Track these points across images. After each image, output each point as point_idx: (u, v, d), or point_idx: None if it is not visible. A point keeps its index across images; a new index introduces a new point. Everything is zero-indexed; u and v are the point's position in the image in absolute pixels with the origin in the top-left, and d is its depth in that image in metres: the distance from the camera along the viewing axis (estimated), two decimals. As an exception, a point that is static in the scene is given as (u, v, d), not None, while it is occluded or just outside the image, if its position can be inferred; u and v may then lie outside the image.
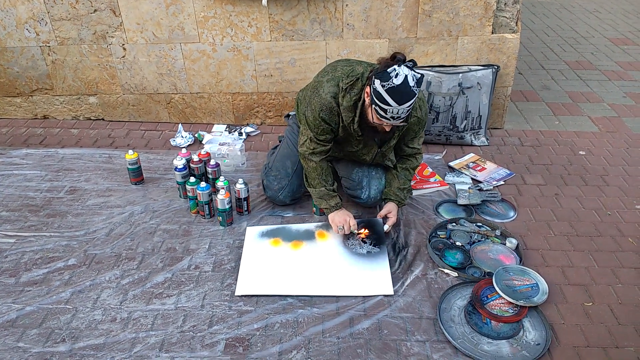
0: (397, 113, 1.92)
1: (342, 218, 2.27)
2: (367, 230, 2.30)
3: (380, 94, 1.89)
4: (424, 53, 3.05)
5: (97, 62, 3.18)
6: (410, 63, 1.91)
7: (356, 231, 2.28)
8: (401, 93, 1.88)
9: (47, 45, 3.14)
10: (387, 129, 2.05)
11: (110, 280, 2.12)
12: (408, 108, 1.92)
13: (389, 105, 1.89)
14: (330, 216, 2.30)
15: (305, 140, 2.24)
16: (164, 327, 1.91)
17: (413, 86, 1.88)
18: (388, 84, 1.87)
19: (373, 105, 1.95)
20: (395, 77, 1.86)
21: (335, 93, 2.10)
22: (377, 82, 1.90)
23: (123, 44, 3.11)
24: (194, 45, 3.08)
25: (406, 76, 1.87)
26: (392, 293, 2.04)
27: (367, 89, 1.98)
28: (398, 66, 1.88)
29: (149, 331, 1.89)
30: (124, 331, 1.89)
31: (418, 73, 1.91)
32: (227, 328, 1.91)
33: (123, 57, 3.15)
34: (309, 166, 2.27)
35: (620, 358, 1.80)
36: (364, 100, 2.03)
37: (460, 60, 3.06)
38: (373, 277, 2.12)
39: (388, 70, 1.88)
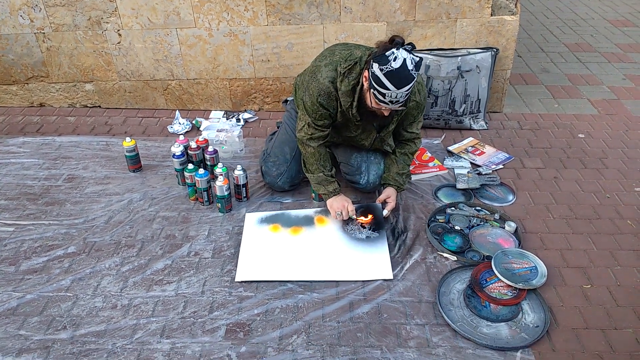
0: (396, 97, 1.90)
1: (340, 204, 2.27)
2: (370, 217, 2.30)
3: (379, 77, 1.87)
4: (422, 36, 3.02)
5: (93, 48, 3.15)
6: (409, 46, 1.89)
7: (354, 216, 2.28)
8: (400, 77, 1.86)
9: (42, 31, 3.11)
10: (386, 114, 2.04)
11: (110, 268, 2.12)
12: (407, 92, 1.90)
13: (388, 89, 1.88)
14: (329, 202, 2.30)
15: (303, 126, 2.23)
16: (164, 314, 1.92)
17: (412, 70, 1.87)
18: (386, 68, 1.85)
19: (371, 90, 1.93)
20: (394, 60, 1.85)
21: (333, 77, 2.09)
22: (375, 66, 1.88)
23: (118, 30, 3.07)
24: (190, 31, 3.05)
25: (405, 60, 1.85)
26: (392, 277, 2.05)
27: (366, 73, 1.96)
28: (396, 49, 1.86)
29: (150, 317, 1.90)
30: (125, 318, 1.90)
31: (417, 56, 1.89)
32: (227, 314, 1.91)
33: (118, 43, 3.12)
34: (307, 152, 2.26)
35: (619, 340, 1.81)
36: (362, 85, 2.02)
37: (459, 43, 3.04)
38: (372, 261, 2.12)
39: (386, 53, 1.86)
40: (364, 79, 1.99)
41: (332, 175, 2.30)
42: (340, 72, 2.06)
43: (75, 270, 2.11)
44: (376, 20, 2.97)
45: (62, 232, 2.31)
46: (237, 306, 1.95)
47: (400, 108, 2.00)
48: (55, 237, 2.29)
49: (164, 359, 1.75)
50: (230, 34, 3.05)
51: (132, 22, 3.04)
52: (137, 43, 3.11)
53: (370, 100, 1.98)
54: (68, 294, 2.00)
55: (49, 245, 2.24)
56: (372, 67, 1.90)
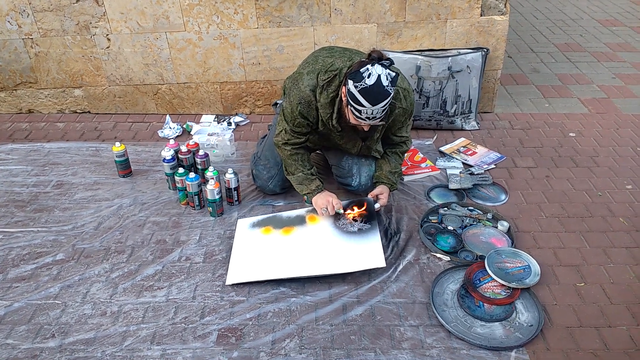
0: (372, 113, 1.90)
1: (325, 199, 2.24)
2: (357, 210, 2.27)
3: (354, 94, 1.87)
4: (412, 37, 3.02)
5: (82, 53, 3.12)
6: (387, 62, 1.89)
7: (341, 211, 2.25)
8: (374, 93, 1.85)
9: (30, 37, 3.08)
10: (366, 129, 2.03)
11: (99, 274, 2.10)
12: (383, 108, 1.90)
13: (363, 106, 1.87)
14: (314, 200, 2.28)
15: (281, 131, 2.23)
16: (155, 320, 1.89)
17: (387, 86, 1.86)
18: (361, 85, 1.85)
19: (349, 106, 1.93)
20: (368, 77, 1.84)
21: (314, 86, 2.07)
22: (350, 83, 1.88)
23: (107, 35, 3.05)
24: (180, 34, 3.03)
25: (379, 76, 1.84)
26: (384, 265, 2.02)
27: (343, 89, 1.95)
28: (371, 65, 1.85)
29: (140, 324, 1.87)
30: (115, 325, 1.87)
31: (393, 71, 1.89)
32: (219, 319, 1.89)
33: (107, 47, 3.10)
34: (283, 154, 2.26)
35: (613, 337, 1.80)
36: (342, 100, 2.01)
37: (450, 44, 3.04)
38: (364, 251, 2.09)
39: (361, 70, 1.86)
40: (342, 95, 1.98)
41: (312, 173, 2.28)
42: (319, 84, 2.05)
43: (64, 277, 2.08)
44: (366, 22, 2.97)
45: (50, 239, 2.28)
46: (228, 311, 1.92)
47: (380, 123, 2.00)
48: (43, 244, 2.25)
49: (155, 365, 1.72)
50: (220, 37, 3.03)
51: (121, 26, 3.01)
52: (126, 47, 3.09)
53: (349, 116, 1.98)
54: (57, 302, 1.97)
55: (37, 253, 2.21)
56: (347, 84, 1.89)
